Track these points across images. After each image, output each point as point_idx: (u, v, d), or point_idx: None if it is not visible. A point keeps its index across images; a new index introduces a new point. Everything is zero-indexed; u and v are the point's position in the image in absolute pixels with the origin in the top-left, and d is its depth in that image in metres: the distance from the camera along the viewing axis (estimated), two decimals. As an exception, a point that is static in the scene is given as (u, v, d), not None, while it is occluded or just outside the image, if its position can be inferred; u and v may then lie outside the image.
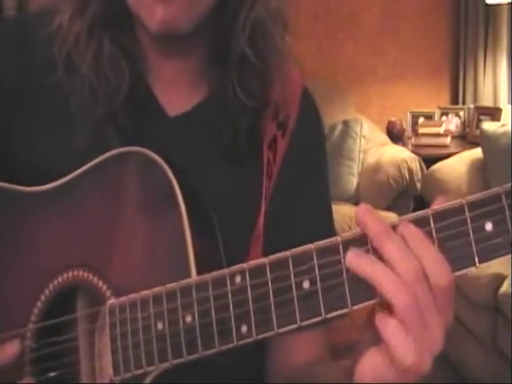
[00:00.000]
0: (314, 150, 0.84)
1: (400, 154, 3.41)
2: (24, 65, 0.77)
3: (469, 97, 4.16)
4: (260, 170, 0.77)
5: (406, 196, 3.36)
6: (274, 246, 0.71)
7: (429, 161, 3.32)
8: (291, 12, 0.77)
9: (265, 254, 0.72)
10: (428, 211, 0.53)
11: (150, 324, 0.61)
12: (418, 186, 3.29)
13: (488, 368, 2.39)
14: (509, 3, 3.82)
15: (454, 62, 4.25)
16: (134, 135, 0.73)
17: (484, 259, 0.52)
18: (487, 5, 3.94)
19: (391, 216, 3.25)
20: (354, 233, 0.55)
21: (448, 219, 0.53)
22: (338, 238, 0.55)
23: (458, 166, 3.12)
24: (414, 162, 3.30)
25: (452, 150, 3.66)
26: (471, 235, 0.52)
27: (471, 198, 0.52)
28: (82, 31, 0.73)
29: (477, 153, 3.11)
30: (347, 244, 0.54)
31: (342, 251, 0.54)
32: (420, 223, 0.53)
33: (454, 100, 4.29)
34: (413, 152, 3.52)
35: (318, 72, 3.71)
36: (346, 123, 3.56)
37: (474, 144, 3.51)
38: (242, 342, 0.57)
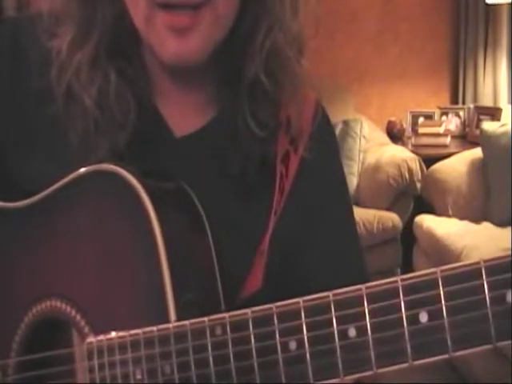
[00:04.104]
0: (330, 166, 0.81)
1: (400, 154, 3.41)
2: (18, 84, 0.73)
3: (469, 97, 4.16)
4: (271, 185, 0.74)
5: (406, 196, 3.36)
6: (283, 264, 0.70)
7: (429, 161, 3.32)
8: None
9: (271, 271, 0.71)
10: (437, 271, 0.45)
11: (128, 372, 0.58)
12: (418, 185, 3.29)
13: (488, 368, 2.39)
14: (509, 3, 3.81)
15: (454, 61, 4.25)
16: (139, 157, 0.69)
17: (503, 337, 0.43)
18: (487, 5, 3.94)
19: (392, 216, 3.25)
20: (347, 290, 0.49)
21: (461, 283, 0.44)
22: (329, 295, 0.49)
23: (458, 165, 3.12)
24: (414, 162, 3.30)
25: (452, 149, 3.66)
26: (488, 306, 0.43)
27: (490, 259, 0.44)
28: (85, 62, 0.68)
29: (477, 153, 3.11)
30: (340, 303, 0.49)
31: (333, 311, 0.49)
32: (426, 285, 0.46)
33: (454, 100, 4.28)
34: (413, 152, 3.52)
35: (317, 72, 3.71)
36: (346, 123, 3.56)
37: (474, 144, 3.50)
38: None
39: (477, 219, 2.95)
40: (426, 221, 3.03)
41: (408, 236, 3.19)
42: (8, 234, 0.72)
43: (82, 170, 0.66)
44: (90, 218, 0.66)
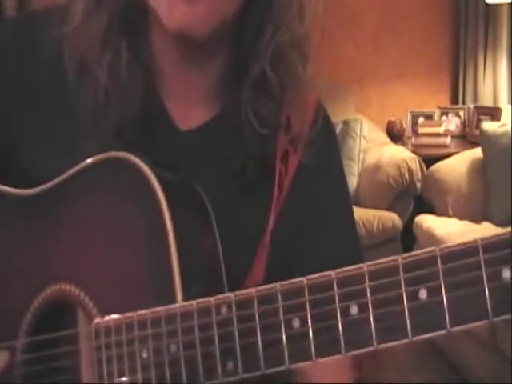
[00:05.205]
0: (330, 166, 0.81)
1: (400, 154, 3.41)
2: (27, 76, 0.74)
3: (469, 97, 4.16)
4: (271, 181, 0.75)
5: (406, 196, 3.36)
6: (282, 263, 0.70)
7: (429, 161, 3.32)
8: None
9: (271, 267, 0.72)
10: (435, 249, 0.47)
11: (134, 350, 0.59)
12: (418, 185, 3.29)
13: (488, 368, 2.39)
14: (509, 3, 3.82)
15: (454, 61, 4.25)
16: (142, 148, 0.70)
17: (499, 313, 0.44)
18: (487, 5, 3.94)
19: (392, 216, 3.25)
20: (349, 269, 0.50)
21: (458, 260, 0.46)
22: (331, 273, 0.51)
23: (458, 165, 3.12)
24: (414, 162, 3.30)
25: (452, 149, 3.66)
26: (485, 282, 0.45)
27: (486, 238, 0.45)
28: (98, 33, 0.69)
29: (477, 153, 3.11)
30: (343, 281, 0.50)
31: (336, 288, 0.50)
32: (425, 263, 0.47)
33: (454, 100, 4.29)
34: (413, 152, 3.52)
35: (317, 72, 3.71)
36: (346, 123, 3.57)
37: (474, 144, 3.51)
38: (227, 379, 0.55)
39: (477, 219, 2.95)
40: (426, 221, 3.03)
41: (408, 236, 3.19)
42: (19, 220, 0.73)
43: (93, 158, 0.67)
44: (99, 203, 0.68)
